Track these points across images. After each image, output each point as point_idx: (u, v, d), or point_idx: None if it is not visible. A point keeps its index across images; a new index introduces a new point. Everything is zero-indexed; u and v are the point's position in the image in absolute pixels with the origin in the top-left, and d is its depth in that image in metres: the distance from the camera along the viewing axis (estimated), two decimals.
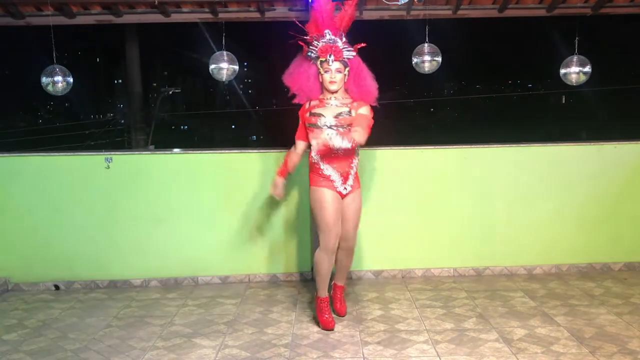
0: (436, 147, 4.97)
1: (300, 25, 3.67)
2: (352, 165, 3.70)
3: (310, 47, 3.65)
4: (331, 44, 3.59)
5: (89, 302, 4.48)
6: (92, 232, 4.82)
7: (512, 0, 5.06)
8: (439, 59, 4.99)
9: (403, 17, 5.10)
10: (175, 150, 5.13)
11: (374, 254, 4.89)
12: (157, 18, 5.11)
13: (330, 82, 3.60)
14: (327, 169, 3.66)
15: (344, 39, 3.66)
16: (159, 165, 4.88)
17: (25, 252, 4.83)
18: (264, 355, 3.40)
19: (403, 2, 4.71)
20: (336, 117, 3.62)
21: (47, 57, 4.87)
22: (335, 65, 3.59)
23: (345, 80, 3.66)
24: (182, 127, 37.14)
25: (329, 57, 3.57)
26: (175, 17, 5.10)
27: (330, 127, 3.61)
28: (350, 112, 3.63)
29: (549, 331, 3.64)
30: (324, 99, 3.69)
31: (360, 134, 3.43)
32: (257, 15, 5.09)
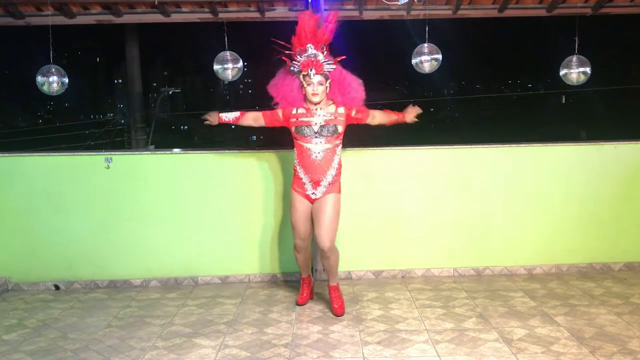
0: (436, 147, 4.96)
1: (282, 45, 3.89)
2: (326, 173, 3.90)
3: (293, 62, 3.88)
4: (312, 59, 3.82)
5: (89, 302, 4.48)
6: (92, 232, 4.82)
7: (512, 0, 5.06)
8: (439, 57, 4.98)
9: (403, 17, 5.10)
10: (175, 150, 5.13)
11: (374, 254, 4.89)
12: (157, 18, 5.11)
13: (313, 95, 3.84)
14: (301, 173, 3.93)
15: (325, 52, 3.86)
16: (159, 165, 4.88)
17: (25, 252, 4.83)
18: (264, 355, 3.40)
19: (403, 2, 4.71)
20: (324, 123, 3.87)
21: (46, 57, 4.87)
22: (317, 78, 3.83)
23: (327, 91, 3.90)
24: (182, 127, 37.15)
25: (311, 71, 3.81)
26: (175, 17, 5.10)
27: (316, 134, 3.85)
28: (335, 117, 3.90)
29: (549, 331, 3.64)
30: (309, 108, 3.91)
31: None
32: (257, 15, 5.09)
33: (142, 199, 4.83)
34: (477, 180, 4.91)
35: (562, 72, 5.22)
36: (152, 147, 14.42)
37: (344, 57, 3.94)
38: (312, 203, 3.97)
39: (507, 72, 46.73)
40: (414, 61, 4.98)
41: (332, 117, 3.89)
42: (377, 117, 4.10)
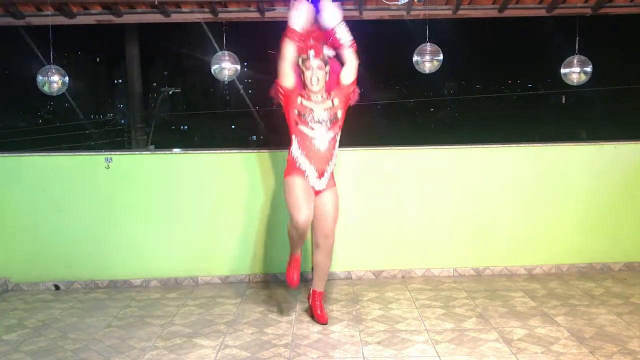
0: (436, 147, 4.97)
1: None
2: (330, 162, 3.76)
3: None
4: (311, 43, 3.69)
5: (89, 302, 4.48)
6: (92, 232, 4.82)
7: (512, 0, 5.06)
8: (440, 58, 4.99)
9: (403, 17, 5.11)
10: (175, 150, 5.14)
11: (374, 254, 4.89)
12: (157, 18, 5.12)
13: (312, 79, 3.67)
14: (305, 164, 3.71)
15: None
16: (159, 165, 4.88)
17: (25, 252, 4.83)
18: (264, 355, 3.40)
19: (403, 2, 4.71)
20: (325, 109, 3.71)
21: (47, 57, 4.87)
22: (316, 62, 3.67)
23: (327, 79, 3.74)
24: (182, 127, 37.17)
25: (310, 52, 3.66)
26: (175, 17, 5.10)
27: (319, 122, 3.68)
28: (333, 102, 3.73)
29: (549, 331, 3.64)
30: (309, 96, 3.73)
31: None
32: (257, 15, 5.09)
33: (142, 199, 4.83)
34: (477, 180, 4.91)
35: (562, 72, 5.22)
36: (152, 147, 14.45)
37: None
38: (317, 195, 3.78)
39: (507, 72, 46.75)
40: (414, 59, 4.99)
41: (330, 103, 3.73)
42: (350, 70, 3.78)
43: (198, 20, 5.23)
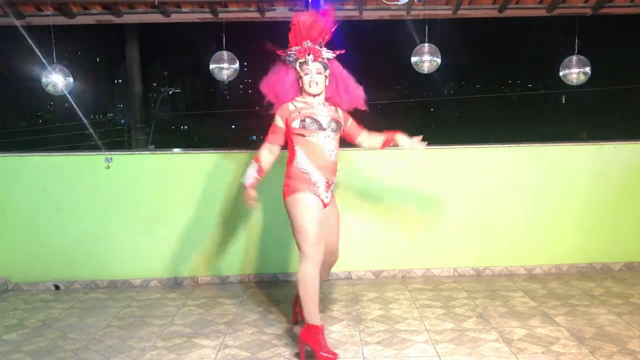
0: (436, 147, 4.96)
1: (279, 48, 3.53)
2: (336, 172, 3.51)
3: (289, 51, 3.49)
4: (309, 46, 3.43)
5: (89, 302, 4.48)
6: (92, 232, 4.82)
7: (512, 0, 5.06)
8: (439, 59, 5.00)
9: (403, 17, 5.11)
10: (175, 150, 5.13)
11: (374, 254, 4.89)
12: (157, 18, 5.12)
13: (311, 83, 3.40)
14: (315, 174, 3.38)
15: (323, 46, 3.50)
16: (159, 165, 4.88)
17: (25, 252, 4.83)
18: (264, 355, 3.40)
19: (403, 2, 4.72)
20: (330, 117, 3.45)
21: (47, 57, 4.88)
22: (315, 66, 3.42)
23: (327, 83, 3.48)
24: (182, 127, 37.18)
25: (308, 56, 3.41)
26: (175, 17, 5.11)
27: (325, 129, 3.41)
28: (337, 111, 3.53)
29: (549, 331, 3.64)
30: (308, 101, 3.46)
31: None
32: (257, 15, 5.10)
33: (142, 199, 4.83)
34: (477, 180, 4.91)
35: (562, 72, 5.23)
36: (152, 147, 14.47)
37: (343, 51, 3.56)
38: (324, 207, 3.50)
39: (507, 72, 46.80)
40: (413, 60, 4.99)
41: (335, 114, 3.50)
42: (368, 140, 3.70)
43: (198, 20, 5.23)
